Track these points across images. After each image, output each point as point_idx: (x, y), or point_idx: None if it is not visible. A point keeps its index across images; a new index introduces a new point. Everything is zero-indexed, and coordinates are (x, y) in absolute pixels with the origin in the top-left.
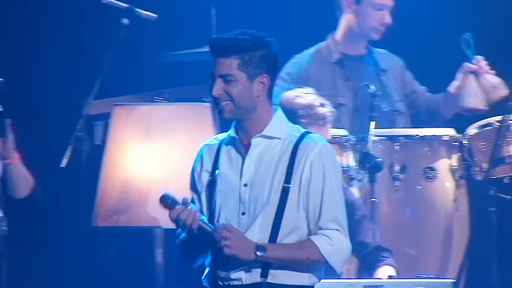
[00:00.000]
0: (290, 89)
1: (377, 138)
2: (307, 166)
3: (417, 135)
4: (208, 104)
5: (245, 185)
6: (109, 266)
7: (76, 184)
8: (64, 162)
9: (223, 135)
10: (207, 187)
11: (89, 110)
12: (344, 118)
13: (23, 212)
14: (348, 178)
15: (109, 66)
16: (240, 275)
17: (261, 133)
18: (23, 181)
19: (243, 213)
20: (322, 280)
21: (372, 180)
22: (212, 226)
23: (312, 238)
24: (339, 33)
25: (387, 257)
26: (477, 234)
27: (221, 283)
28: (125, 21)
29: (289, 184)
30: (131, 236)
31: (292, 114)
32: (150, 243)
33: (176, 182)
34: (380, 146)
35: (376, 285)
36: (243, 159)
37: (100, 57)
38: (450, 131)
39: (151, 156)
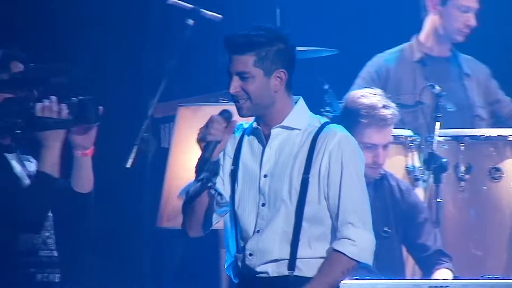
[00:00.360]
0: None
1: (442, 138)
2: (326, 156)
3: (483, 135)
4: None
5: (265, 176)
6: (174, 267)
7: (141, 184)
8: (129, 163)
9: (247, 124)
10: (229, 174)
11: (154, 111)
12: (421, 115)
13: (82, 208)
14: (413, 178)
15: (174, 67)
16: (267, 268)
17: (281, 124)
18: (90, 175)
19: (263, 204)
20: (388, 281)
21: (437, 180)
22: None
23: (335, 247)
24: (423, 34)
25: (446, 262)
26: None
27: (247, 275)
28: (190, 21)
29: (309, 175)
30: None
31: (354, 113)
32: (215, 244)
33: None
34: (445, 146)
35: (441, 285)
36: (264, 149)
37: (165, 58)
38: None
39: None
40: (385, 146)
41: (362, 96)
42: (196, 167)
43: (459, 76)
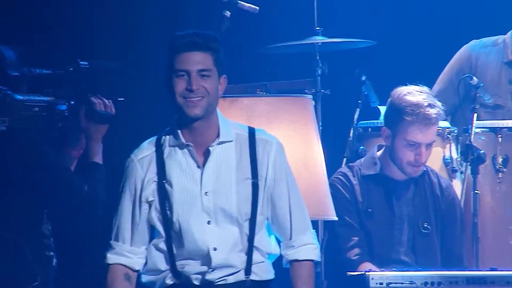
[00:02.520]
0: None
1: (479, 130)
2: (271, 168)
3: None
4: (310, 97)
5: (206, 193)
6: None
7: None
8: None
9: (154, 143)
10: (158, 197)
11: None
12: (499, 120)
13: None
14: (450, 170)
15: None
16: (227, 278)
17: (219, 140)
18: None
19: (209, 222)
20: (425, 272)
21: (474, 172)
22: None
23: (303, 257)
24: None
25: None
26: None
27: (204, 285)
28: (227, 13)
29: (257, 179)
30: None
31: (399, 110)
32: None
33: None
34: (482, 138)
35: (479, 277)
36: (200, 167)
37: None
38: None
39: None
40: (428, 145)
41: (408, 93)
42: None
43: None
